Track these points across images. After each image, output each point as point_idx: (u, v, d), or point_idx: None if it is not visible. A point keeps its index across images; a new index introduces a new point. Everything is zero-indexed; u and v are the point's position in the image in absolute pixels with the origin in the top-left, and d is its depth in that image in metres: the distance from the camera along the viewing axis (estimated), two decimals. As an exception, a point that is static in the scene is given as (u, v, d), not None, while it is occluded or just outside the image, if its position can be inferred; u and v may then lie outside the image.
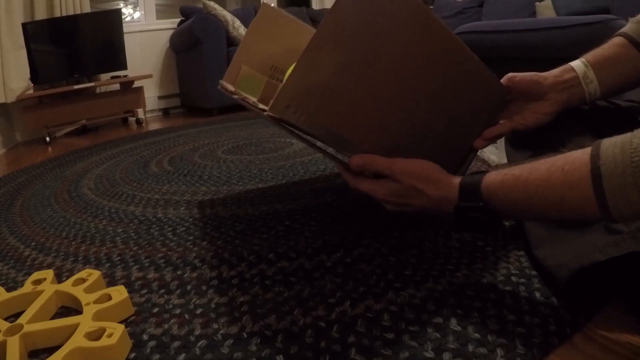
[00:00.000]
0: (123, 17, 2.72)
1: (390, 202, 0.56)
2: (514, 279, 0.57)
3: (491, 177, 0.48)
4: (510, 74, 0.63)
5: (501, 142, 0.99)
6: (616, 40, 0.62)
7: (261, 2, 0.93)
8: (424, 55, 0.55)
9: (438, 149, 0.61)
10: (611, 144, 0.38)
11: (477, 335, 0.47)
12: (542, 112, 0.63)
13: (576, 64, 0.62)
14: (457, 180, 0.51)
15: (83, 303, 0.56)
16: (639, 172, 0.35)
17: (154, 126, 2.57)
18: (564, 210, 0.42)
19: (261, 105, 0.54)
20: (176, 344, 0.50)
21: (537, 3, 2.26)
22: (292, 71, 0.50)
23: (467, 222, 0.50)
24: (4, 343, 0.49)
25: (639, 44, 0.59)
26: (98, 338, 0.49)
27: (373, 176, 0.58)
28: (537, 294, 0.53)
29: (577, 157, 0.40)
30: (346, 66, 0.51)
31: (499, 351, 0.44)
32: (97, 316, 0.54)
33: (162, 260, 0.72)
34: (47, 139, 2.25)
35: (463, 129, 0.63)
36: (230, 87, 0.83)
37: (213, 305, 0.57)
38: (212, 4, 2.74)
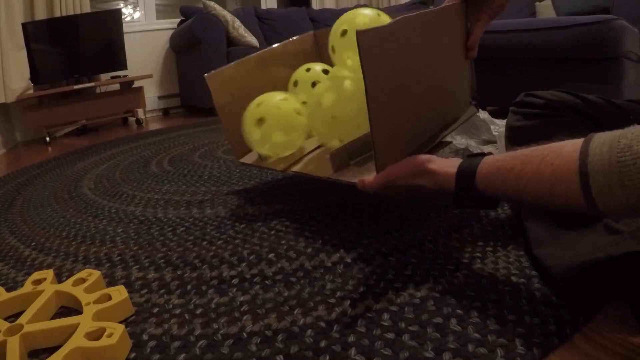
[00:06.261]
0: (123, 17, 2.72)
1: (405, 195, 0.64)
2: (514, 279, 0.57)
3: (486, 169, 0.51)
4: None
5: (501, 141, 0.99)
6: None
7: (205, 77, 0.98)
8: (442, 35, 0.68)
9: (457, 89, 0.76)
10: (600, 143, 0.40)
11: (477, 335, 0.47)
12: (497, 5, 0.70)
13: None
14: (452, 170, 0.54)
15: (83, 303, 0.56)
16: (625, 171, 0.37)
17: (154, 126, 2.57)
18: (553, 202, 0.44)
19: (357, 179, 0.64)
20: (176, 344, 0.50)
21: (537, 3, 2.26)
22: (374, 134, 0.56)
23: (466, 205, 0.56)
24: (4, 343, 0.49)
25: None
26: (98, 338, 0.49)
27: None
28: (537, 294, 0.53)
29: (566, 153, 0.42)
30: (406, 95, 0.61)
31: (499, 351, 0.44)
32: (97, 316, 0.54)
33: (162, 260, 0.72)
34: (47, 139, 2.25)
35: (459, 57, 0.75)
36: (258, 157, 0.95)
37: (213, 305, 0.57)
38: (212, 4, 2.74)
